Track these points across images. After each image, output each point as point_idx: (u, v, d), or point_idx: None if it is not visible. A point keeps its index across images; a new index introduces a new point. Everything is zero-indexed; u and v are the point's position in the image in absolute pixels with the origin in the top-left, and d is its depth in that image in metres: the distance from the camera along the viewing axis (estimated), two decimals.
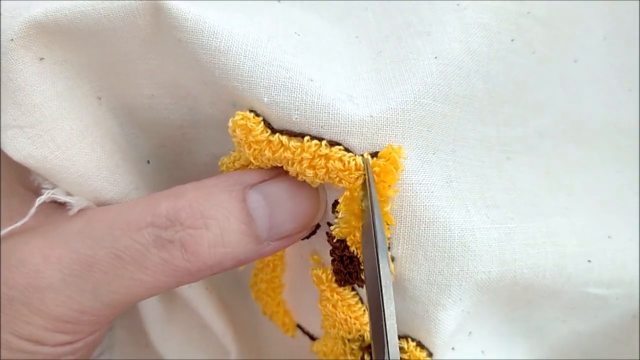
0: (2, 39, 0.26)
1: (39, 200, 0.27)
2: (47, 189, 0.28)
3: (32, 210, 0.27)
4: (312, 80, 0.25)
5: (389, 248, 0.26)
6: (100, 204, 0.29)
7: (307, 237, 0.28)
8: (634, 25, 0.32)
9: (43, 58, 0.26)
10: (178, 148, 0.31)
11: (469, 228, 0.26)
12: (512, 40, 0.28)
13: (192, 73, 0.27)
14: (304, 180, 0.26)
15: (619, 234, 0.31)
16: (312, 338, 0.32)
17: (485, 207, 0.28)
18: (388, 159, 0.25)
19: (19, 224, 0.27)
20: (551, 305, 0.30)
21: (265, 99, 0.25)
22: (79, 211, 0.28)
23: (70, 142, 0.27)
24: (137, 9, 0.26)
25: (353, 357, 0.29)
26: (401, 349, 0.28)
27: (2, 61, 0.26)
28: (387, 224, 0.26)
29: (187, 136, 0.30)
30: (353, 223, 0.26)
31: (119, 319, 0.36)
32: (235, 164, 0.28)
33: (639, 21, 0.32)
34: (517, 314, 0.30)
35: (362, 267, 0.26)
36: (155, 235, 0.25)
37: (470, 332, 0.30)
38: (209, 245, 0.25)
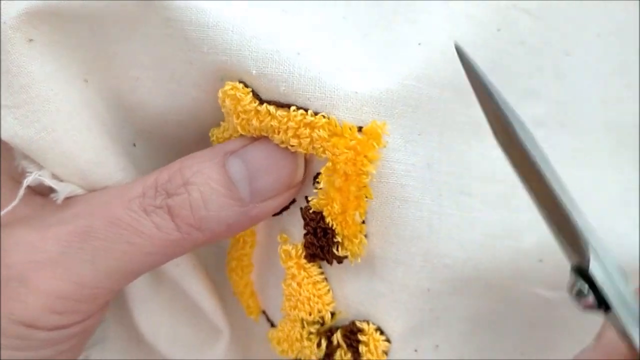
0: None
1: (27, 182, 0.28)
2: (32, 172, 0.28)
3: (21, 192, 0.27)
4: (299, 54, 0.26)
5: (363, 222, 0.27)
6: (87, 185, 0.29)
7: (280, 213, 0.29)
8: (628, 24, 0.33)
9: (32, 40, 0.27)
10: (162, 134, 0.31)
11: (436, 211, 0.27)
12: (498, 30, 0.29)
13: (178, 53, 0.28)
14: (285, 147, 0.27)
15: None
16: (273, 326, 0.32)
17: (458, 194, 0.28)
18: (371, 134, 0.26)
19: (10, 207, 0.27)
20: (512, 309, 0.31)
21: (254, 71, 0.26)
22: (75, 197, 0.28)
23: (56, 124, 0.27)
24: None
25: (309, 343, 0.29)
26: (361, 330, 0.28)
27: None
28: (366, 197, 0.26)
29: (170, 123, 0.31)
30: (332, 194, 0.26)
31: (111, 314, 0.35)
32: (225, 134, 0.29)
33: (634, 20, 0.33)
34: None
35: (335, 240, 0.27)
36: (145, 204, 0.26)
37: (437, 346, 0.30)
38: (191, 208, 0.26)
